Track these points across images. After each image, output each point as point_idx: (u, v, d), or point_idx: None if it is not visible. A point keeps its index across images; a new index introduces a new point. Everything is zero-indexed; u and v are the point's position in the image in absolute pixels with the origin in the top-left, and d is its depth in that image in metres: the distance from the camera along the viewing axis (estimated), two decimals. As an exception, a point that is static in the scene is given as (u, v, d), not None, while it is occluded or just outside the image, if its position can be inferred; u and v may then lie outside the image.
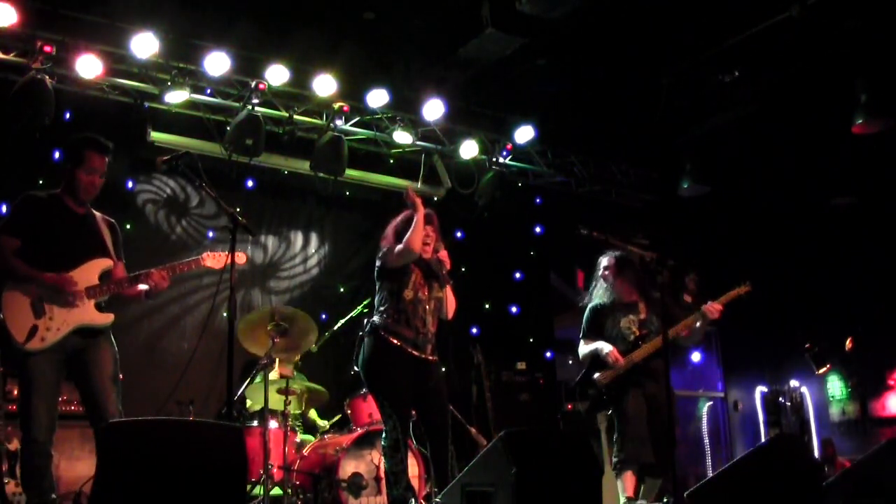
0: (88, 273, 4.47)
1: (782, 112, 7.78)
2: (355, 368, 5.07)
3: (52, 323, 4.32)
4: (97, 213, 4.69)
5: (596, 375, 5.73)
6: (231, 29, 6.81)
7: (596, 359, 5.74)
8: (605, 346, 5.69)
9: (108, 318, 4.49)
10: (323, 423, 6.94)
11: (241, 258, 4.65)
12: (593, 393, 5.77)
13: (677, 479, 4.86)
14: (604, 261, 5.95)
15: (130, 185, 7.66)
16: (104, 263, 4.54)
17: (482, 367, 7.66)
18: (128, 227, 7.04)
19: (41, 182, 5.98)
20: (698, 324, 5.57)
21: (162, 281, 4.57)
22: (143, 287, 4.58)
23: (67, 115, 6.78)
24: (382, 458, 4.99)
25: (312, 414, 7.02)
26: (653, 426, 5.46)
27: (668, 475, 5.27)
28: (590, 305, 5.96)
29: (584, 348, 5.88)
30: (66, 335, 4.34)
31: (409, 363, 4.88)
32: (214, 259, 4.79)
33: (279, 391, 6.11)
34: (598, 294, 5.95)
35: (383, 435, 4.89)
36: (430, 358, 4.98)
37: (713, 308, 5.51)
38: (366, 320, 5.14)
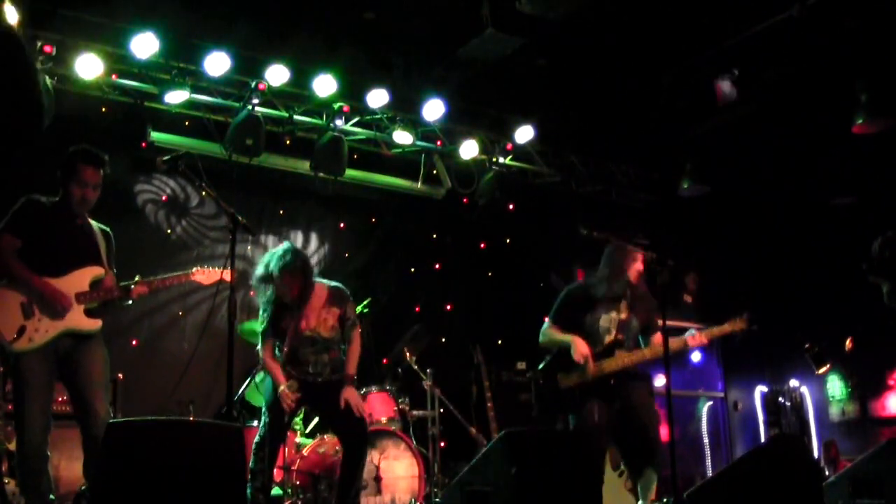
0: (80, 279, 4.54)
1: (782, 112, 7.77)
2: None
3: (40, 325, 4.37)
4: (93, 223, 4.74)
5: (559, 376, 5.30)
6: (231, 29, 6.81)
7: (563, 353, 5.25)
8: (579, 345, 5.18)
9: (96, 324, 4.55)
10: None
11: (227, 275, 4.64)
12: (548, 394, 5.35)
13: (677, 478, 4.84)
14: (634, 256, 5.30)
15: (131, 185, 7.66)
16: (96, 271, 4.61)
17: (482, 367, 7.64)
18: (127, 227, 7.03)
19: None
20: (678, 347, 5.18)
21: (143, 290, 4.69)
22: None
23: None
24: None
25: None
26: (630, 436, 5.27)
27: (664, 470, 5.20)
28: (568, 287, 5.55)
29: (551, 332, 5.37)
30: (54, 337, 4.40)
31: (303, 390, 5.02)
32: (204, 275, 4.90)
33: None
34: (596, 277, 5.41)
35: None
36: (327, 381, 5.09)
37: (699, 339, 5.22)
38: None
